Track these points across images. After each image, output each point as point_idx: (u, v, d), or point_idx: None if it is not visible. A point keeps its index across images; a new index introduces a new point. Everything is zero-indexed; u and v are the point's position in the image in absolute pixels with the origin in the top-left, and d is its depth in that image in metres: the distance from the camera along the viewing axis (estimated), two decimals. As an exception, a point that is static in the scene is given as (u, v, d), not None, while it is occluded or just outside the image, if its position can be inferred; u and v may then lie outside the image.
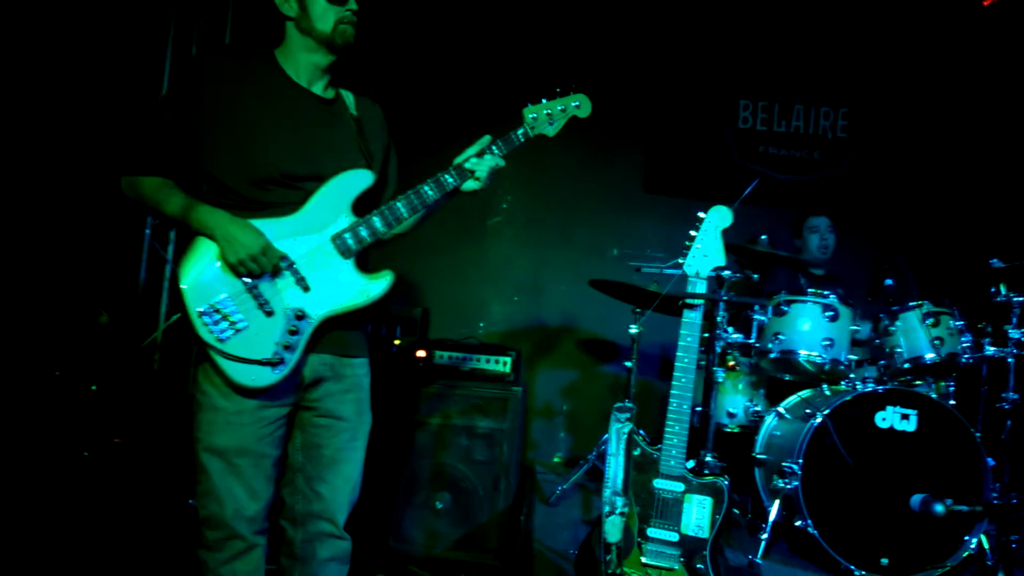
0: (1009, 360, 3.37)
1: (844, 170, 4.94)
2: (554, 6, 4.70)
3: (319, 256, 1.89)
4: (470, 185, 2.05)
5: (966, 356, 3.38)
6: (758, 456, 3.40)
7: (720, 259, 2.44)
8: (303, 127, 1.93)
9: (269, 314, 1.82)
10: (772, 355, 3.44)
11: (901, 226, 4.86)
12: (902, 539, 2.97)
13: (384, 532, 3.39)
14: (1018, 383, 3.42)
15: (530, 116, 2.12)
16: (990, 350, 3.39)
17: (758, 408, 3.67)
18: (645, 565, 2.29)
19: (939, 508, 2.85)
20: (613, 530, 2.10)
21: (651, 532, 2.31)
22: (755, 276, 3.47)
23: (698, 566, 2.30)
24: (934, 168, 4.90)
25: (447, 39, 4.65)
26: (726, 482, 2.36)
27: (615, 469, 2.14)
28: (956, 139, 4.88)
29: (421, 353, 3.73)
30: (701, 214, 2.45)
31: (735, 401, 3.73)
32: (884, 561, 2.94)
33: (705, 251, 2.43)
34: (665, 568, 2.29)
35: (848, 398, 3.06)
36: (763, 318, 3.50)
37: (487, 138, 2.07)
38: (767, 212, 4.91)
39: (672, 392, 2.35)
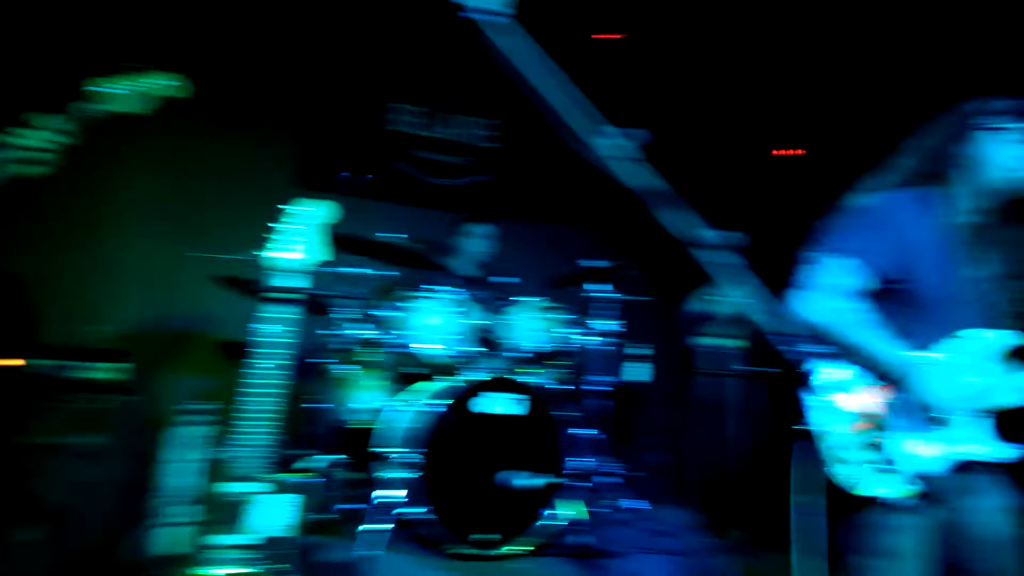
0: (607, 348, 3.88)
1: (495, 178, 5.30)
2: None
3: None
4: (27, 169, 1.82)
5: (573, 345, 3.81)
6: (381, 448, 3.47)
7: (323, 253, 2.40)
8: None
9: None
10: (398, 349, 3.54)
11: (546, 229, 5.36)
12: (511, 515, 3.24)
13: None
14: (616, 369, 3.96)
15: (100, 90, 1.93)
16: (593, 340, 3.87)
17: (386, 402, 3.75)
18: (220, 574, 2.17)
19: (520, 482, 3.17)
20: (169, 542, 1.95)
21: (226, 539, 2.20)
22: (395, 273, 3.57)
23: (284, 567, 2.24)
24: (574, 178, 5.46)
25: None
26: (321, 478, 2.33)
27: (175, 476, 2.00)
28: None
29: (11, 362, 3.22)
30: (288, 207, 2.40)
31: (364, 396, 3.77)
32: (496, 536, 3.18)
33: (301, 244, 2.38)
34: (245, 574, 2.19)
35: (464, 387, 3.26)
36: (389, 313, 3.59)
37: (50, 117, 1.85)
38: (422, 213, 5.10)
39: (249, 389, 2.26)
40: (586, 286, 4.06)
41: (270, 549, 2.24)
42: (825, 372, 1.89)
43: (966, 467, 1.88)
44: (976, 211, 1.96)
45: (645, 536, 3.98)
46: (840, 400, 1.86)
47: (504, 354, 3.71)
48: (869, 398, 1.87)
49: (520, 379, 3.43)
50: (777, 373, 4.07)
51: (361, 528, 3.13)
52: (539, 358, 3.74)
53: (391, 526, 3.16)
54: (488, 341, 3.75)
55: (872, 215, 1.95)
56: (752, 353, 3.73)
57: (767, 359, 3.90)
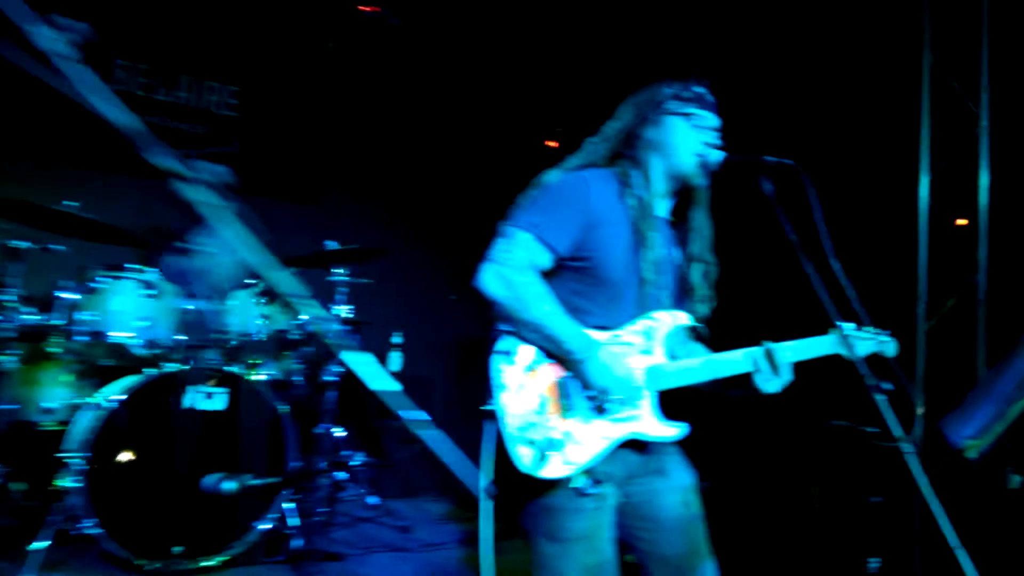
0: (346, 335, 3.60)
1: (234, 150, 4.82)
2: None
3: None
4: None
5: (295, 333, 3.49)
6: (63, 455, 2.96)
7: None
8: None
9: None
10: (85, 338, 3.04)
11: (291, 209, 4.97)
12: (202, 523, 2.87)
13: None
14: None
15: None
16: (332, 327, 3.57)
17: (80, 400, 3.22)
18: None
19: (229, 485, 2.82)
20: None
21: None
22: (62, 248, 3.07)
23: None
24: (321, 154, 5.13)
25: None
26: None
27: None
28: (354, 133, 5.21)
29: None
30: None
31: (55, 394, 3.20)
32: (178, 549, 2.79)
33: None
34: None
35: (148, 380, 2.84)
36: (75, 296, 3.07)
37: None
38: (151, 186, 4.50)
39: None
40: (333, 269, 3.78)
41: None
42: (511, 349, 1.79)
43: (639, 447, 1.87)
44: (660, 194, 1.96)
45: (384, 533, 3.79)
46: (522, 379, 1.76)
47: (221, 343, 3.33)
48: (548, 377, 1.78)
49: (233, 371, 3.07)
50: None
51: (30, 547, 2.63)
52: (257, 347, 3.40)
53: (76, 542, 2.70)
54: (200, 329, 3.34)
55: (559, 192, 1.88)
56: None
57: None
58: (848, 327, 1.95)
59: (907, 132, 3.96)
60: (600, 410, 1.80)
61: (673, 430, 1.85)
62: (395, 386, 0.90)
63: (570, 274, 1.86)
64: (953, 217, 3.89)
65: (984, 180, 3.81)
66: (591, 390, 1.78)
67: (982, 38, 3.81)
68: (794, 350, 1.89)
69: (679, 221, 2.05)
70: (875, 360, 1.89)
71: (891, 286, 4.01)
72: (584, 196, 1.86)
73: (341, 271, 3.78)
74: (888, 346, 1.99)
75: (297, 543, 3.06)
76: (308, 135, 5.04)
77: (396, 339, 4.80)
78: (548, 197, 1.87)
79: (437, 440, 0.91)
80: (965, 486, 2.87)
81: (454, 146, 5.44)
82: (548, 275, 1.85)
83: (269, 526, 3.02)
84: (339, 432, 4.05)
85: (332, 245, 3.73)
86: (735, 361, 1.87)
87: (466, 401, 5.19)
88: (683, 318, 1.92)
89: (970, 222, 3.87)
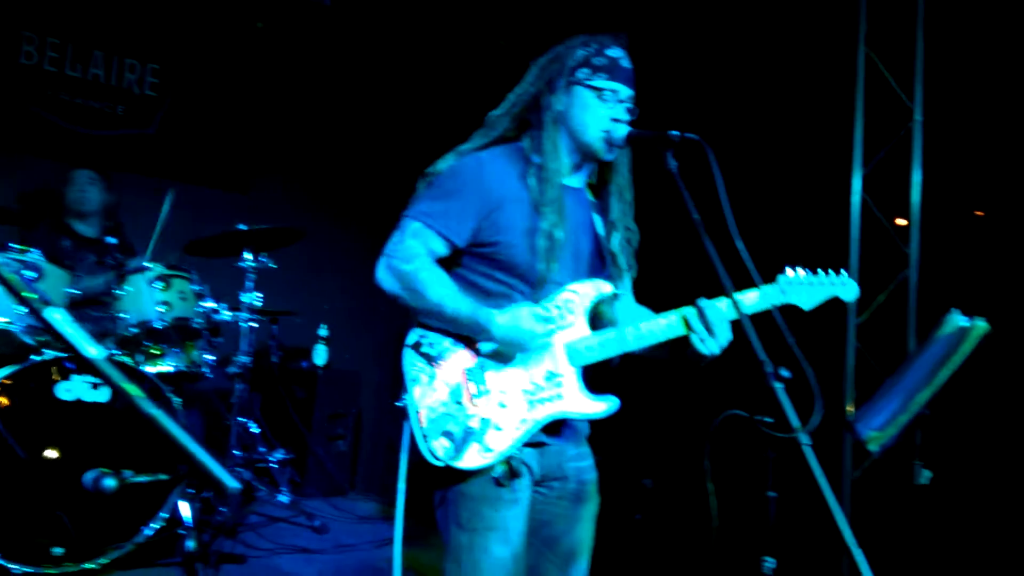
0: (242, 324, 3.41)
1: (153, 131, 4.58)
2: None
3: None
4: None
5: (197, 321, 3.28)
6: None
7: None
8: None
9: None
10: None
11: (217, 197, 4.75)
12: (83, 523, 2.66)
13: None
14: (255, 346, 3.51)
15: None
16: (227, 315, 3.38)
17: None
18: None
19: (110, 483, 2.61)
20: None
21: None
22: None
23: None
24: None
25: None
26: None
27: None
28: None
29: None
30: None
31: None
32: (57, 551, 2.59)
33: None
34: None
35: (18, 368, 2.63)
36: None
37: None
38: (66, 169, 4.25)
39: None
40: (246, 255, 3.58)
41: None
42: (419, 341, 1.71)
43: (557, 432, 1.76)
44: (568, 166, 1.83)
45: (300, 533, 3.61)
46: (432, 370, 1.69)
47: (112, 329, 3.12)
48: (458, 364, 1.69)
49: (123, 360, 2.87)
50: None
51: None
52: (156, 335, 3.19)
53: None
54: (91, 315, 3.13)
55: (452, 179, 1.76)
56: None
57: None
58: (799, 274, 1.76)
59: (840, 126, 3.91)
60: (512, 394, 1.69)
61: (601, 405, 1.74)
62: (100, 352, 0.76)
63: (476, 260, 1.77)
64: (885, 212, 3.84)
65: (917, 176, 3.77)
66: (508, 351, 1.68)
67: (917, 31, 3.78)
68: (730, 305, 1.67)
69: (599, 186, 1.93)
70: (776, 346, 1.78)
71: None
72: (479, 180, 1.74)
73: (251, 257, 3.57)
74: (847, 289, 1.80)
75: (190, 544, 2.86)
76: (235, 118, 4.81)
77: (322, 331, 4.62)
78: (442, 185, 1.75)
79: (163, 418, 0.76)
80: (882, 483, 2.81)
81: (389, 132, 5.25)
82: (455, 263, 1.76)
83: (160, 526, 2.82)
84: (255, 427, 3.87)
85: (243, 229, 3.53)
86: (666, 325, 1.73)
87: (396, 395, 5.01)
88: (605, 287, 1.81)
89: (901, 217, 3.83)
